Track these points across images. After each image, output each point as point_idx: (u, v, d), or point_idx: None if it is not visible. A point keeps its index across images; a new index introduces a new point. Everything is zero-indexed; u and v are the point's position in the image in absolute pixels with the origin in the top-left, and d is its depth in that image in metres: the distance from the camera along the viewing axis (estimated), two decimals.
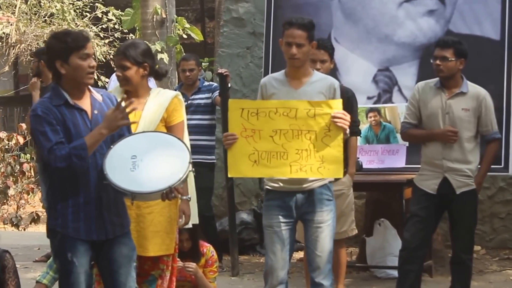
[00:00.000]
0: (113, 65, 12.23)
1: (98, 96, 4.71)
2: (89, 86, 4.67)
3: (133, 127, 5.00)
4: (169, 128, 5.32)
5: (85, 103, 4.63)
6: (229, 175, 5.31)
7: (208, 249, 6.48)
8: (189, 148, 4.77)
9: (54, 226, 4.60)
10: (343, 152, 5.24)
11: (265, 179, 5.40)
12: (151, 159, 4.64)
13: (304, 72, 5.33)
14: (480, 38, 7.49)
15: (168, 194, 4.59)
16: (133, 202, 4.66)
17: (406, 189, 7.05)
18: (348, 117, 5.16)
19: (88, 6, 14.65)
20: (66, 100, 4.56)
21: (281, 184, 5.29)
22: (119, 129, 4.63)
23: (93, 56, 4.62)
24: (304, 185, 5.27)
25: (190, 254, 6.30)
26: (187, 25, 10.90)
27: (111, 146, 4.57)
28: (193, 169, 4.71)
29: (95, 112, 4.63)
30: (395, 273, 6.87)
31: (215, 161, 8.47)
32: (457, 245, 6.23)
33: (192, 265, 6.22)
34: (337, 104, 5.18)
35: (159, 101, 5.33)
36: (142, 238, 5.19)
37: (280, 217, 5.27)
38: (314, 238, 5.27)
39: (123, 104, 4.51)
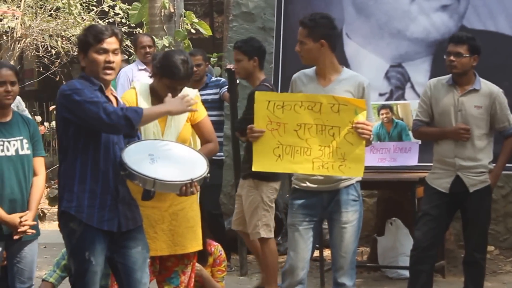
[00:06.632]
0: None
1: (116, 94, 4.82)
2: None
3: (161, 125, 5.14)
4: (196, 124, 5.34)
5: (110, 97, 4.69)
6: (253, 169, 5.23)
7: (216, 248, 6.41)
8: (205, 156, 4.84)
9: (68, 208, 4.55)
10: None
11: (292, 178, 5.40)
12: (168, 158, 4.70)
13: (333, 68, 5.28)
14: (494, 34, 7.41)
15: (188, 188, 4.58)
16: (152, 194, 4.62)
17: (418, 187, 6.96)
18: (370, 126, 5.12)
19: (95, 0, 14.54)
20: (101, 86, 4.59)
21: (308, 184, 5.26)
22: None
23: (115, 52, 4.59)
24: (331, 185, 5.24)
25: (198, 254, 6.19)
26: (196, 20, 10.83)
27: (127, 145, 4.60)
28: (209, 174, 4.69)
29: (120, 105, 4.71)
30: (406, 273, 6.78)
31: (223, 158, 8.36)
32: (470, 245, 6.17)
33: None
34: (362, 104, 5.10)
35: None
36: (177, 236, 5.22)
37: (305, 216, 5.25)
38: (338, 239, 5.25)
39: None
